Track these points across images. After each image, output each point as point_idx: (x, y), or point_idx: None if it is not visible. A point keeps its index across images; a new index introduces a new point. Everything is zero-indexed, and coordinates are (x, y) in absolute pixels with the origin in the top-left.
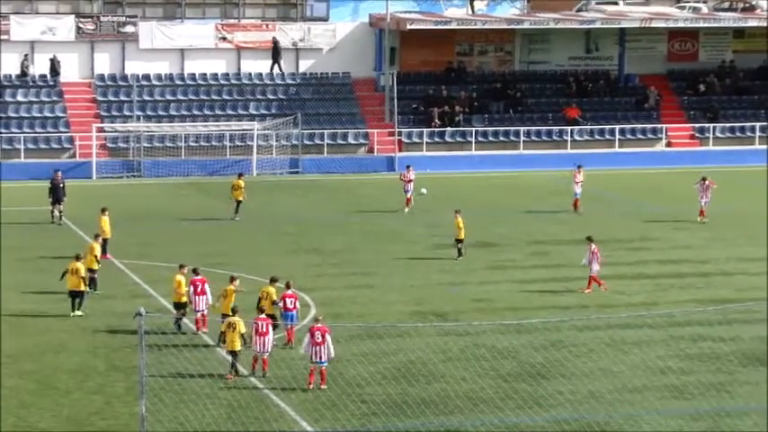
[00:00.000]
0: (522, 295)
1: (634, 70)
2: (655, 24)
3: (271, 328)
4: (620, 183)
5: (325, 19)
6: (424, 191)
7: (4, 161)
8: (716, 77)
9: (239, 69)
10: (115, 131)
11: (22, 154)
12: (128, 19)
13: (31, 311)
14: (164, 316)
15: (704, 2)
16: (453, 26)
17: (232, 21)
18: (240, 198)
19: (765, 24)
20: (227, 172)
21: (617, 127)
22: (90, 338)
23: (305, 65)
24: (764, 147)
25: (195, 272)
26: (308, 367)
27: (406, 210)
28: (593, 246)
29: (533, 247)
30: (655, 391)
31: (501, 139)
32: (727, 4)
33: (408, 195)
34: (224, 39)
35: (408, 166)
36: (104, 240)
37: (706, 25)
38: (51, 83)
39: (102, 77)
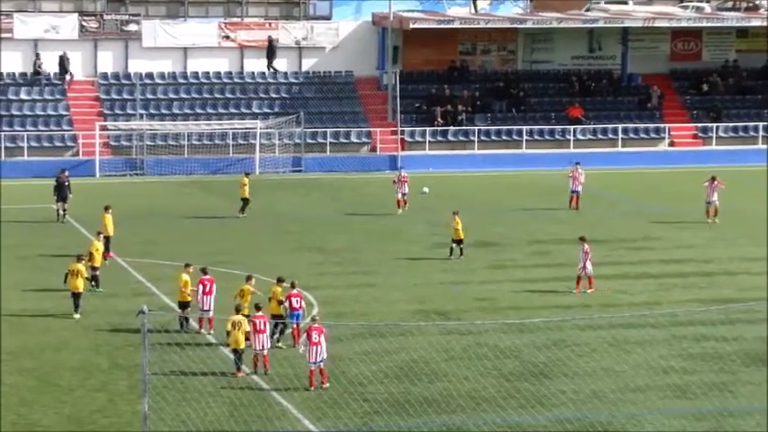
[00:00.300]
0: (524, 294)
1: (637, 70)
2: (658, 24)
3: (269, 326)
4: (623, 182)
5: (327, 18)
6: (426, 190)
7: (7, 159)
8: (719, 77)
9: (242, 68)
10: (118, 129)
11: (26, 152)
12: (131, 17)
13: (33, 309)
14: (166, 314)
15: (707, 1)
16: (456, 25)
17: (235, 19)
18: (244, 196)
19: None
20: (230, 170)
21: (620, 126)
22: (92, 336)
23: (308, 63)
24: (766, 146)
25: (204, 271)
26: (308, 367)
27: (399, 211)
28: (586, 245)
29: (535, 246)
30: (657, 391)
31: (503, 138)
32: (730, 4)
33: (399, 197)
34: (227, 37)
35: (401, 168)
36: (107, 238)
37: (709, 25)
38: (59, 81)
39: (105, 76)
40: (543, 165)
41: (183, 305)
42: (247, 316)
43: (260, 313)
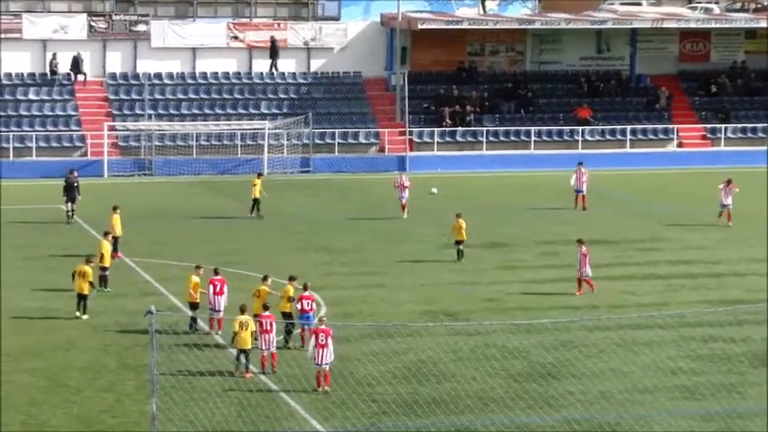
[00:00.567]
0: (532, 295)
1: (645, 71)
2: (666, 25)
3: (275, 326)
4: (631, 183)
5: (336, 18)
6: (434, 190)
7: (15, 159)
8: (727, 78)
9: (251, 68)
10: (127, 130)
11: (34, 152)
12: (140, 18)
13: (42, 309)
14: (174, 314)
15: (716, 2)
16: (465, 26)
17: (244, 20)
18: (254, 196)
19: None
20: (239, 171)
21: (628, 127)
22: (101, 336)
23: (316, 64)
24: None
25: (216, 272)
26: (314, 368)
27: (404, 216)
28: (584, 248)
29: (543, 247)
30: (665, 392)
31: (512, 138)
32: (738, 5)
33: (403, 201)
34: (235, 38)
35: (402, 172)
36: (115, 239)
37: (718, 26)
38: (69, 82)
39: (113, 76)
40: (552, 166)
41: (193, 306)
42: (256, 316)
43: (267, 313)
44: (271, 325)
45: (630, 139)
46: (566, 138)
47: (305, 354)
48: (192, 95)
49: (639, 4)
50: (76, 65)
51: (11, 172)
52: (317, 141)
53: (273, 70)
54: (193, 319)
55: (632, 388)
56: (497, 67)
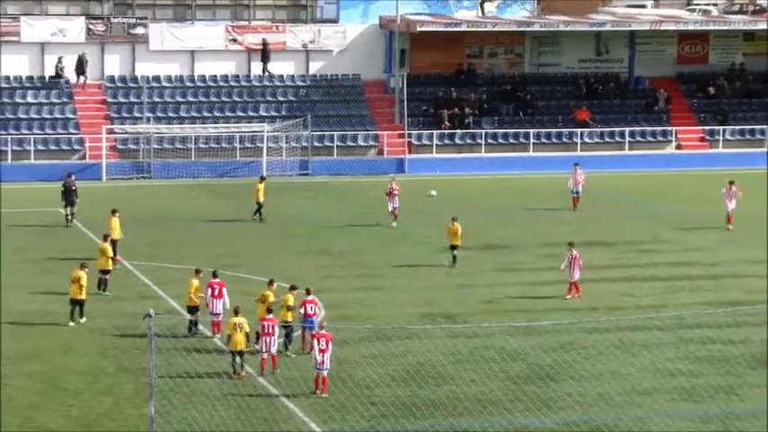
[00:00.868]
0: (531, 297)
1: (644, 73)
2: (665, 27)
3: (277, 329)
4: (630, 185)
5: (335, 21)
6: (433, 193)
7: (14, 162)
8: (726, 80)
9: (249, 71)
10: (125, 133)
11: (32, 155)
12: (138, 20)
13: (40, 312)
14: (173, 317)
15: (714, 5)
16: (463, 28)
17: (242, 22)
18: (257, 200)
19: None
20: (237, 174)
21: (627, 129)
22: (99, 340)
23: (315, 66)
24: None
25: (214, 275)
26: (313, 372)
27: (394, 224)
28: (575, 251)
29: (542, 249)
30: (664, 394)
31: (511, 141)
32: (737, 7)
33: (394, 209)
34: (234, 40)
35: (392, 179)
36: (114, 242)
37: (716, 28)
38: (66, 85)
39: (112, 79)
40: (550, 168)
41: (192, 309)
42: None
43: (270, 316)
44: (273, 328)
45: (629, 141)
46: (564, 140)
47: (306, 358)
48: (190, 98)
49: (644, 6)
50: (81, 65)
51: (9, 175)
52: (316, 144)
53: (266, 73)
54: (192, 323)
55: (631, 390)
56: (496, 70)
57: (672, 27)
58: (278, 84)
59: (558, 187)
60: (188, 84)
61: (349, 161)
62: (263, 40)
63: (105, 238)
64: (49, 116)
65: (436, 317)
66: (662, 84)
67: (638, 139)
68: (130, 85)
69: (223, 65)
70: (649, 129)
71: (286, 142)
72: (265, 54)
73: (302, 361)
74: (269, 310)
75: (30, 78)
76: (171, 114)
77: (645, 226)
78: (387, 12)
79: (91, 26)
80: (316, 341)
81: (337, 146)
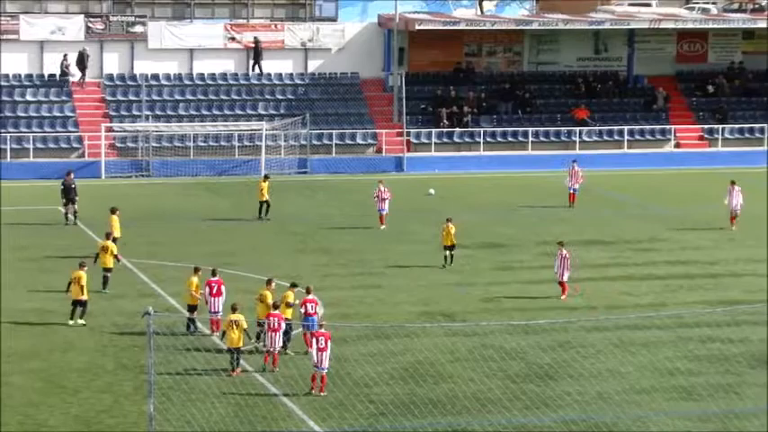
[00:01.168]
0: (529, 296)
1: (643, 71)
2: (664, 25)
3: (283, 325)
4: (629, 184)
5: (333, 19)
6: (432, 191)
7: (13, 160)
8: (725, 79)
9: (248, 69)
10: (124, 131)
11: (31, 153)
12: (137, 19)
13: (39, 310)
14: (172, 315)
15: (713, 3)
16: (462, 27)
17: (241, 21)
18: (261, 199)
19: None
20: (236, 172)
21: (625, 128)
22: (98, 337)
23: (313, 65)
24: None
25: (213, 273)
26: (311, 370)
27: (383, 227)
28: (564, 251)
29: (541, 247)
30: (663, 393)
31: (509, 139)
32: (736, 6)
33: (383, 213)
34: (233, 39)
35: (380, 181)
36: (114, 240)
37: (715, 26)
38: (65, 82)
39: (111, 77)
40: (549, 166)
41: (192, 308)
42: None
43: (276, 312)
44: (278, 324)
45: (628, 140)
46: (563, 138)
47: (305, 356)
48: (189, 96)
49: (649, 5)
50: (82, 60)
51: (8, 173)
52: (315, 142)
53: (257, 71)
54: (191, 321)
55: (630, 388)
56: (495, 68)
57: (671, 25)
58: (276, 82)
59: (556, 186)
60: (187, 82)
61: (348, 159)
62: (255, 38)
63: (108, 236)
64: (48, 114)
65: (435, 315)
66: (661, 82)
67: (637, 137)
68: (129, 83)
69: (222, 63)
70: (648, 127)
71: (285, 140)
72: (257, 52)
73: (301, 359)
74: (275, 306)
75: (29, 77)
76: (170, 113)
77: (644, 225)
78: (385, 10)
79: (90, 24)
80: (314, 340)
81: (336, 144)
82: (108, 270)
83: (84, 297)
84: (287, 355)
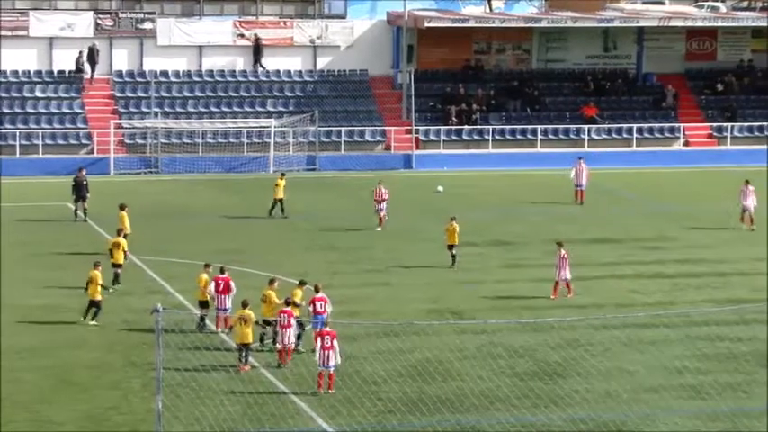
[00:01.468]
0: (538, 294)
1: (652, 69)
2: (673, 23)
3: (294, 321)
4: (638, 182)
5: (342, 16)
6: (440, 189)
7: (22, 156)
8: (734, 77)
9: (255, 67)
10: (133, 128)
11: (40, 149)
12: (146, 15)
13: (48, 307)
14: (180, 312)
15: (723, 1)
16: (471, 24)
17: (250, 18)
18: (278, 196)
19: None
20: (245, 169)
21: (634, 126)
22: (107, 334)
23: (322, 62)
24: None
25: (222, 270)
26: (317, 369)
27: (379, 228)
28: (563, 251)
29: (549, 245)
30: (671, 391)
31: (518, 137)
32: (745, 4)
33: (381, 214)
34: (242, 36)
35: (380, 182)
36: (124, 236)
37: (724, 24)
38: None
39: (120, 74)
40: (558, 164)
41: (203, 304)
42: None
43: (288, 308)
44: (288, 321)
45: (637, 138)
46: (572, 136)
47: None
48: (198, 93)
49: (662, 2)
50: (92, 56)
51: (17, 169)
52: (323, 139)
53: (258, 68)
54: (202, 318)
55: (638, 387)
56: (504, 66)
57: (680, 23)
58: (285, 79)
59: (565, 183)
60: (195, 79)
61: (356, 157)
62: (255, 35)
63: (119, 232)
64: (57, 111)
65: (443, 313)
66: (670, 80)
67: (646, 135)
68: (138, 79)
69: (231, 60)
70: (657, 125)
71: (293, 137)
72: (257, 49)
73: (310, 357)
74: (287, 302)
75: (38, 73)
76: (178, 109)
77: (652, 223)
78: (394, 7)
79: (99, 21)
80: (320, 338)
81: (344, 141)
82: (118, 266)
83: (99, 297)
84: (299, 353)
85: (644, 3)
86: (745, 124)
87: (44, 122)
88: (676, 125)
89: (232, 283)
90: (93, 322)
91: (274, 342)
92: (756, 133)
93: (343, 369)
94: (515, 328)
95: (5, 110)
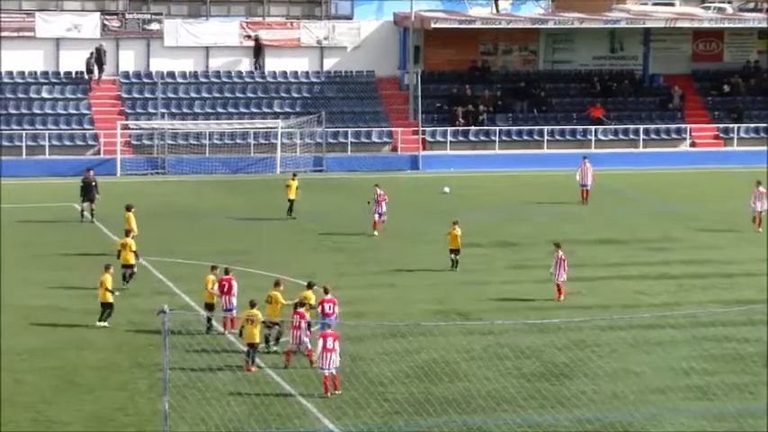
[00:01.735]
0: (544, 295)
1: (658, 70)
2: (680, 24)
3: (303, 324)
4: (644, 183)
5: (349, 17)
6: (447, 190)
7: (28, 157)
8: (740, 78)
9: (260, 68)
10: (140, 129)
11: (47, 150)
12: (153, 16)
13: (54, 308)
14: (187, 313)
15: (729, 2)
16: (478, 25)
17: (257, 19)
18: (290, 197)
19: None
20: (251, 170)
21: (641, 127)
22: (114, 335)
23: (329, 63)
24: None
25: (226, 272)
26: (321, 373)
27: (375, 232)
28: (561, 253)
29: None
30: (678, 392)
31: (525, 138)
32: (752, 5)
33: (379, 218)
34: (248, 37)
35: (377, 185)
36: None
37: (731, 26)
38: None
39: (126, 75)
40: (564, 165)
41: (209, 307)
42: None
43: (301, 310)
44: (299, 323)
45: (643, 139)
46: (578, 137)
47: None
48: (204, 94)
49: (672, 4)
50: (99, 57)
51: (24, 170)
52: (330, 140)
53: (258, 69)
54: (208, 320)
55: (645, 388)
56: (510, 67)
57: (686, 24)
58: (292, 80)
59: (571, 184)
60: (202, 80)
61: (363, 158)
62: (256, 35)
63: (127, 233)
64: (63, 112)
65: (450, 314)
66: (676, 81)
67: (653, 136)
68: (145, 80)
69: (237, 61)
70: (663, 126)
71: (300, 139)
72: (258, 49)
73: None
74: (301, 304)
75: (45, 74)
76: (185, 110)
77: (658, 224)
78: (401, 8)
79: (106, 22)
80: (322, 340)
81: (351, 142)
82: (129, 266)
83: (110, 300)
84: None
85: (654, 4)
86: (752, 125)
87: (50, 123)
88: (683, 126)
89: (234, 283)
90: (102, 323)
91: (277, 342)
92: (763, 134)
93: (349, 370)
94: (522, 330)
95: (12, 111)
